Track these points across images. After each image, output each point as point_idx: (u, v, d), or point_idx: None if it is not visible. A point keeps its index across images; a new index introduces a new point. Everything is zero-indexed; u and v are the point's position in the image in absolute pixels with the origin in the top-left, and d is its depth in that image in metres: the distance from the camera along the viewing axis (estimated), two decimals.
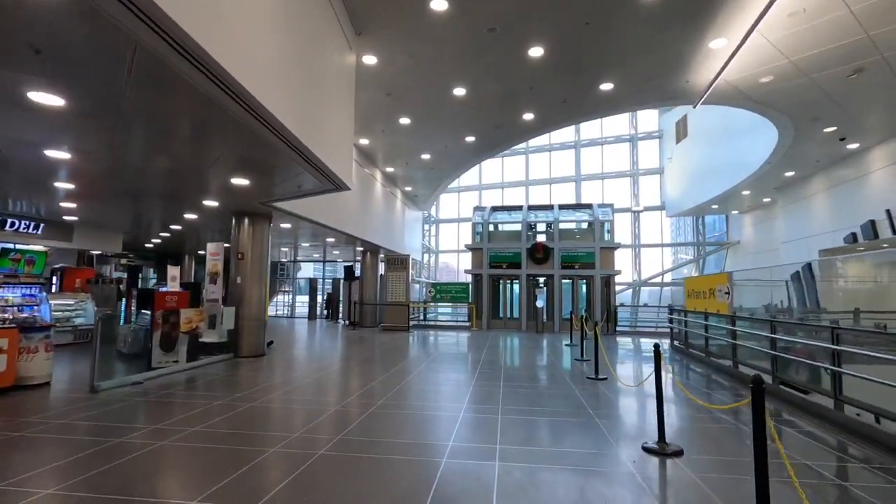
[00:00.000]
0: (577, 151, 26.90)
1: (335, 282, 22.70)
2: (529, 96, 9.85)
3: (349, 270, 20.29)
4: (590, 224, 18.20)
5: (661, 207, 24.90)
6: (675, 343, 11.66)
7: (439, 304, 18.85)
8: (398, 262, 17.15)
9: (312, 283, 23.34)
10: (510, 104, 10.30)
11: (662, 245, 28.19)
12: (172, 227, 12.08)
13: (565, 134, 27.65)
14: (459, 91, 9.53)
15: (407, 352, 10.84)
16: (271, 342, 11.22)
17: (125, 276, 20.14)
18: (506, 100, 10.05)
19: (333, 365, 8.68)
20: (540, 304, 16.92)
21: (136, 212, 10.13)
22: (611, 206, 18.60)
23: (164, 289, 10.02)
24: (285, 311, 26.18)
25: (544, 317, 16.94)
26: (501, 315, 18.18)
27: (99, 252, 12.64)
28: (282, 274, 27.11)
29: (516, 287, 18.12)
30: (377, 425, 4.92)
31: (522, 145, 28.50)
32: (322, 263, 25.48)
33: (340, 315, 21.34)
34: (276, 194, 8.00)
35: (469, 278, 18.86)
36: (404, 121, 11.25)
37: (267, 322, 10.07)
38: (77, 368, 7.91)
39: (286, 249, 18.31)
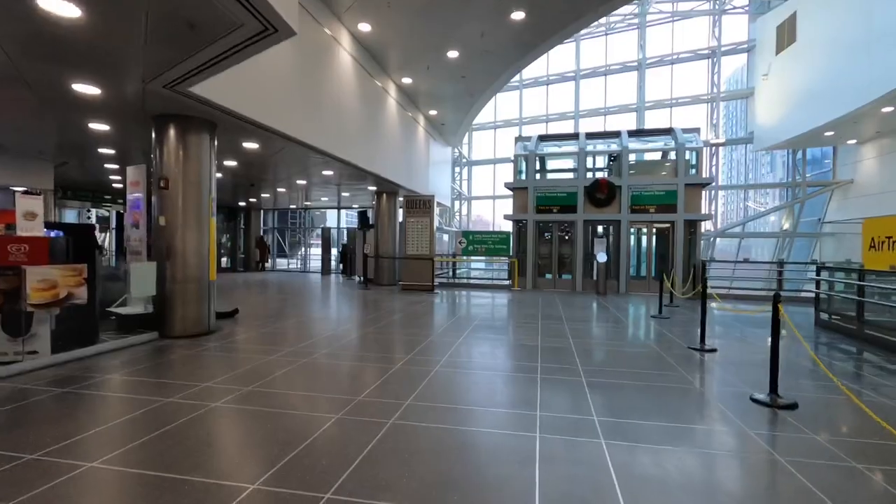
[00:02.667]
0: (641, 73, 22.02)
1: (350, 232, 19.43)
2: None
3: (363, 216, 16.88)
4: (667, 154, 13.99)
5: (748, 140, 20.09)
6: (826, 317, 7.79)
7: (472, 257, 15.32)
8: (419, 206, 13.56)
9: (324, 233, 20.14)
10: None
11: (745, 186, 23.41)
12: (102, 150, 8.81)
13: (625, 52, 22.72)
14: None
15: (425, 327, 7.43)
16: (234, 312, 8.02)
17: (96, 221, 17.42)
18: None
19: (301, 357, 5.35)
20: (601, 258, 13.13)
21: (6, 122, 6.82)
22: (697, 130, 14.23)
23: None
24: (297, 266, 23.32)
25: (606, 275, 13.20)
26: (550, 272, 14.50)
27: (23, 188, 9.67)
28: (293, 223, 24.07)
29: (570, 236, 14.33)
30: None
31: (572, 68, 23.79)
32: (336, 211, 22.19)
33: (356, 270, 18.15)
34: (168, 56, 4.40)
35: (509, 226, 15.16)
36: None
37: (214, 283, 6.78)
38: None
39: (284, 190, 14.97)
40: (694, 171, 13.39)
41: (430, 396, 3.99)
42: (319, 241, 21.86)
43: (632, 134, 14.59)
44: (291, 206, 21.75)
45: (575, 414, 3.66)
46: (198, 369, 4.77)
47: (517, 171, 14.83)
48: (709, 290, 12.55)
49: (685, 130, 14.01)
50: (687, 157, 13.31)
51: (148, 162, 6.84)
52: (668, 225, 13.31)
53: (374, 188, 14.19)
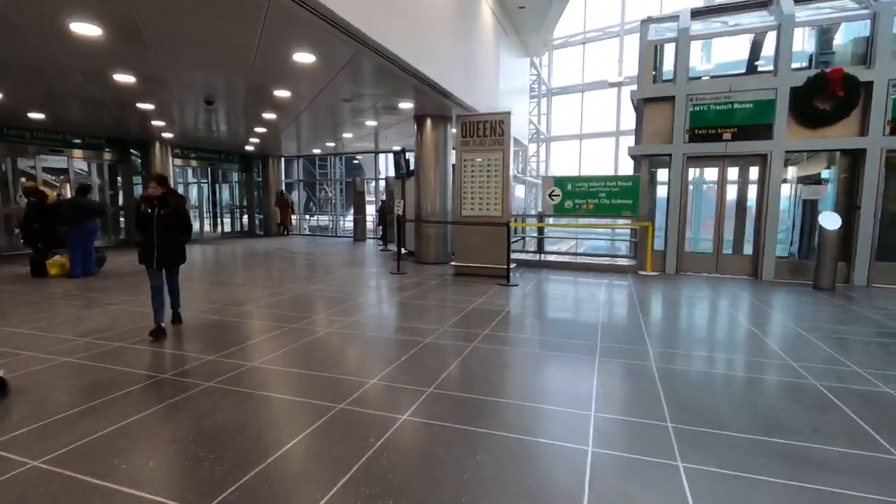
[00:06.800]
0: None
1: (389, 183, 14.21)
2: None
3: (400, 159, 11.46)
4: None
5: None
6: None
7: (570, 219, 9.66)
8: (486, 131, 7.94)
9: (355, 186, 15.02)
10: None
11: None
12: None
13: None
14: None
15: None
16: None
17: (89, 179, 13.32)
18: None
19: None
20: (829, 222, 6.95)
21: None
22: None
23: None
24: (331, 228, 18.61)
25: (836, 254, 7.02)
26: (711, 244, 8.53)
27: None
28: (322, 173, 19.19)
29: (749, 184, 8.19)
30: None
31: None
32: (374, 156, 16.96)
33: (394, 237, 12.98)
34: None
35: (632, 168, 9.23)
36: None
37: None
38: None
39: (274, 117, 9.75)
40: None
41: None
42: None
43: None
44: (315, 152, 16.75)
45: None
46: None
47: (645, 75, 8.67)
48: None
49: None
50: None
51: None
52: None
53: (410, 105, 8.64)
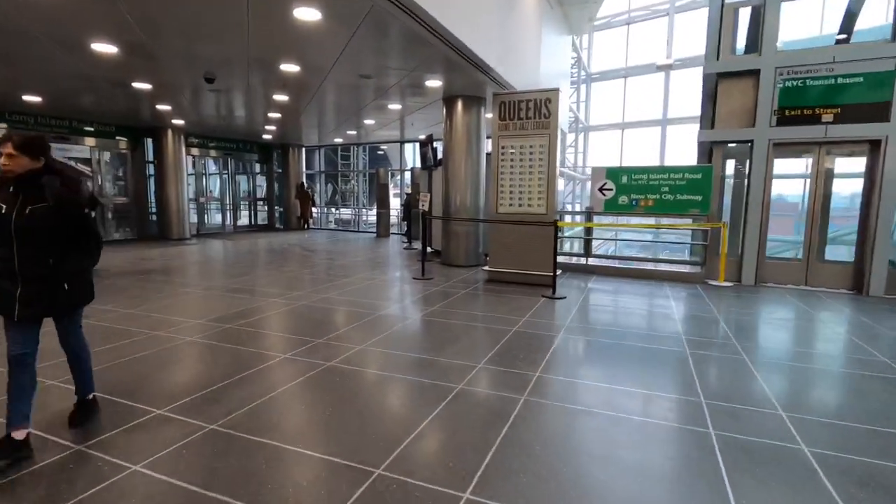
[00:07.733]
0: None
1: (414, 174, 13.10)
2: None
3: (428, 147, 10.25)
4: None
5: None
6: None
7: (622, 215, 8.36)
8: (528, 112, 6.69)
9: (378, 178, 13.94)
10: None
11: None
12: None
13: None
14: None
15: None
16: None
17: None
18: None
19: None
20: None
21: None
22: None
23: None
24: (353, 222, 17.64)
25: None
26: (801, 246, 7.07)
27: None
28: (345, 164, 18.18)
29: (851, 178, 6.71)
30: None
31: None
32: (399, 146, 15.86)
33: (420, 234, 11.82)
34: None
35: (694, 159, 7.82)
36: None
37: None
38: None
39: (285, 98, 8.69)
40: None
41: None
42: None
43: None
44: (337, 141, 15.74)
45: None
46: None
47: (722, 45, 7.19)
48: None
49: None
50: None
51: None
52: None
53: (439, 83, 7.43)
